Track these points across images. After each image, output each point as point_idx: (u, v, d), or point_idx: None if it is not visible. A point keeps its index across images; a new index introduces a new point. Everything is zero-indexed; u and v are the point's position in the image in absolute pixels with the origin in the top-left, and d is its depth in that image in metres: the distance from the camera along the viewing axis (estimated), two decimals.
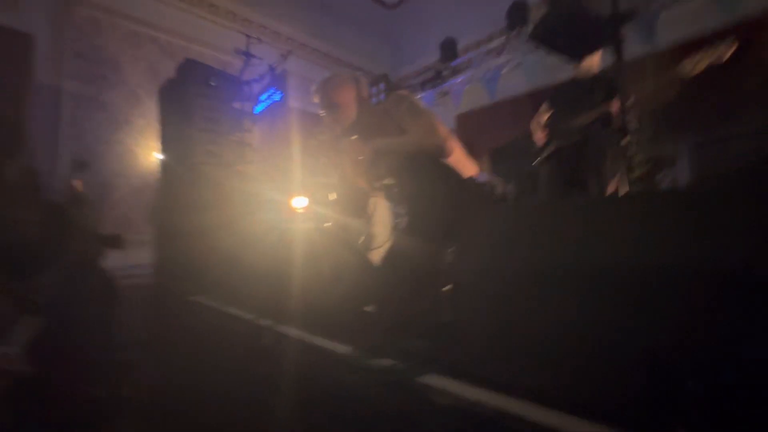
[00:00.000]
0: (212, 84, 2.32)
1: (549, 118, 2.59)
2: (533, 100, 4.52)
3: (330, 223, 2.06)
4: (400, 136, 1.20)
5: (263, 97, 3.23)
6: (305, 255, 2.03)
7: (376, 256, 1.52)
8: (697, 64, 1.77)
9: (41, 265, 1.62)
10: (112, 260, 3.52)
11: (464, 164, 1.24)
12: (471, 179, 1.27)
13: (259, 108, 3.15)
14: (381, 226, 1.53)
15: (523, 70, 4.22)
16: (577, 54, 1.80)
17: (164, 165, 2.60)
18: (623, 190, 1.26)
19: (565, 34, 1.24)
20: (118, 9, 4.08)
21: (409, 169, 1.16)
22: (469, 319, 0.88)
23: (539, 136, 2.55)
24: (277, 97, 3.34)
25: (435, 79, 4.49)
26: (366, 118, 1.30)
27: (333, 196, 2.00)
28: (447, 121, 5.22)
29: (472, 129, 5.19)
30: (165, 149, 2.60)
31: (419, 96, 4.69)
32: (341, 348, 1.00)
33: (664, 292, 0.56)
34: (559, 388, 0.61)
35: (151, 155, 4.24)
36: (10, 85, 3.45)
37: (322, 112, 1.35)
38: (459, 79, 4.43)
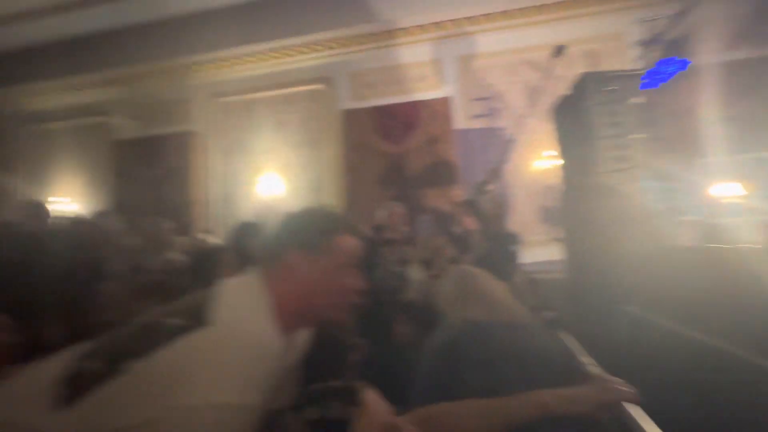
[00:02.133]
0: (611, 89, 2.27)
1: None
2: None
3: None
4: None
5: (661, 73, 2.81)
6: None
7: None
8: None
9: None
10: (529, 257, 4.08)
11: None
12: None
13: (658, 87, 2.76)
14: None
15: None
16: None
17: (567, 176, 2.81)
18: None
19: None
20: (494, 49, 4.88)
21: None
22: None
23: None
24: (677, 67, 2.81)
25: None
26: None
27: None
28: None
29: None
30: (566, 161, 2.82)
31: None
32: None
33: None
34: None
35: (532, 166, 4.76)
36: (441, 135, 4.93)
37: None
38: None
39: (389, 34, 4.95)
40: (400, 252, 3.06)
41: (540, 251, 4.19)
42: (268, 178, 5.19)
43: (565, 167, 2.90)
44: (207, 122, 5.58)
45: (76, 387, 0.60)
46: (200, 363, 0.58)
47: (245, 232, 2.94)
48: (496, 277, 1.53)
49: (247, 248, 2.73)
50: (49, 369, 0.63)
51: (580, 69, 4.27)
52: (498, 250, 2.92)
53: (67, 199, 5.71)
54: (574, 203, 2.73)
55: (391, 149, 4.93)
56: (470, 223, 3.06)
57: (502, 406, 0.74)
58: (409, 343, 1.75)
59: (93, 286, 1.68)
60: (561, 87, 4.20)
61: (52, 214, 3.28)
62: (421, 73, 5.02)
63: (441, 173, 4.70)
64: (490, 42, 4.88)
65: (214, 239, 4.35)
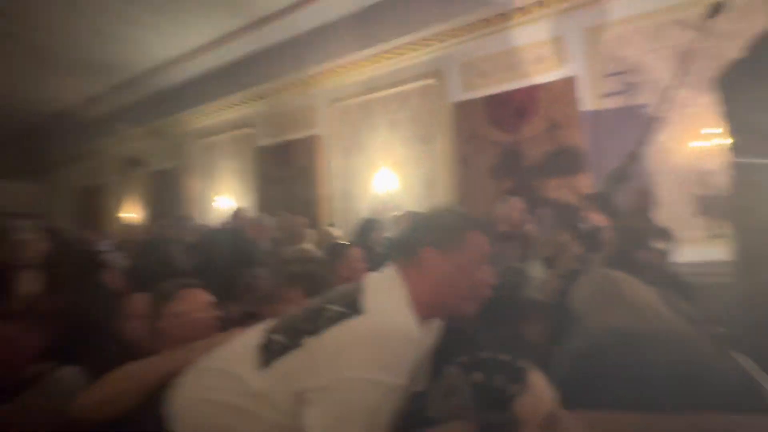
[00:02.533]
0: None
1: None
2: None
3: None
4: None
5: None
6: None
7: None
8: None
9: None
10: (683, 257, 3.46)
11: None
12: None
13: None
14: None
15: None
16: None
17: (738, 158, 2.28)
18: None
19: None
20: (630, 14, 4.18)
21: None
22: None
23: None
24: None
25: None
26: None
27: None
28: None
29: None
30: (738, 140, 2.29)
31: None
32: None
33: None
34: None
35: (685, 147, 3.96)
36: (564, 119, 4.46)
37: None
38: None
39: (503, 17, 4.68)
40: (520, 247, 2.93)
41: (698, 250, 3.51)
42: (383, 175, 5.46)
43: (735, 147, 2.35)
44: (328, 125, 6.14)
45: (268, 353, 0.74)
46: (359, 344, 0.67)
47: (367, 226, 3.21)
48: (639, 280, 1.35)
49: (369, 241, 2.97)
50: (251, 337, 0.80)
51: (759, 21, 3.41)
52: (638, 248, 2.56)
53: (228, 199, 7.01)
54: (748, 191, 2.21)
55: (506, 139, 4.69)
56: (598, 218, 2.74)
57: (667, 426, 0.67)
58: (539, 343, 1.67)
59: (254, 273, 2.05)
60: (729, 47, 3.40)
61: (249, 216, 4.07)
62: (540, 53, 4.62)
63: (564, 162, 4.28)
64: (624, 6, 4.22)
65: (338, 232, 4.79)
